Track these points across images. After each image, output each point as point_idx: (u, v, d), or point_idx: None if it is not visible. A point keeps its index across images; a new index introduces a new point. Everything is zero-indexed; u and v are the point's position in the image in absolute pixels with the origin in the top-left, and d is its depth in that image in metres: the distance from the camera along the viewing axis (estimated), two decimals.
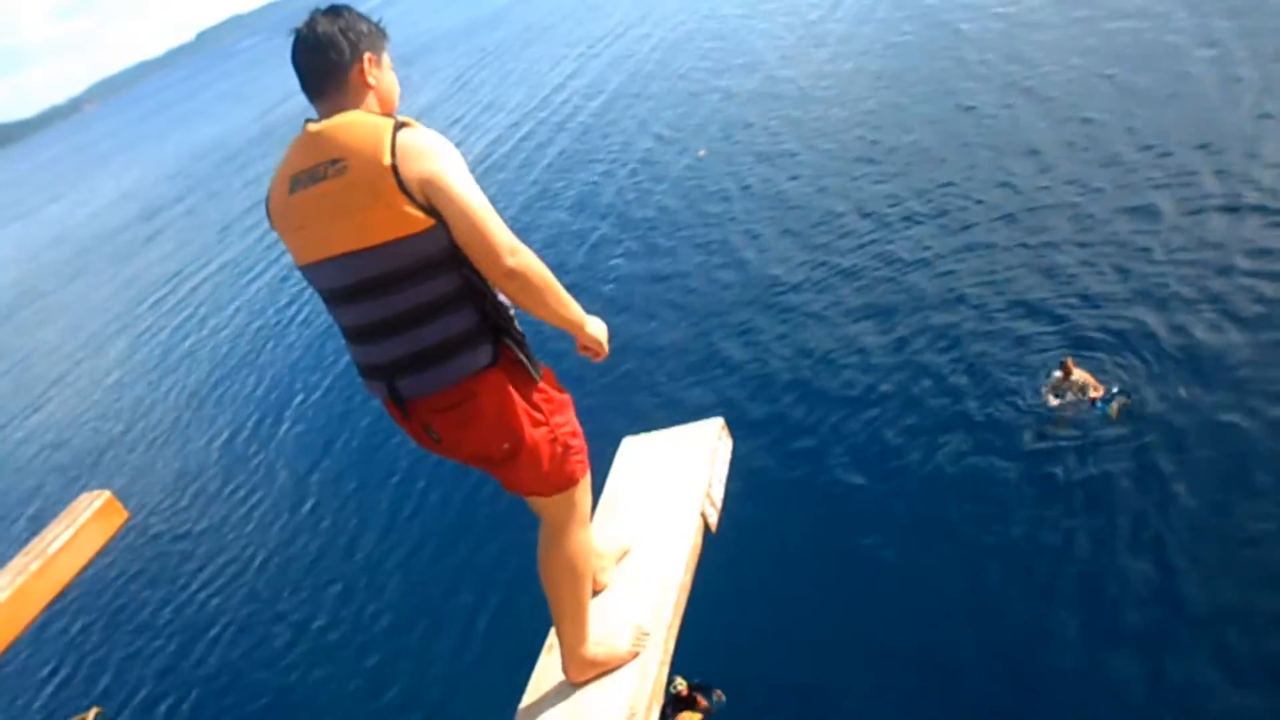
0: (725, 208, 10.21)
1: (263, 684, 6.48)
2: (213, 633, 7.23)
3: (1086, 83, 9.47)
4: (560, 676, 2.73)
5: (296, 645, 6.65)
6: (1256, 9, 9.35)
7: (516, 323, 2.29)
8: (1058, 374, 5.59)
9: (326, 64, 2.19)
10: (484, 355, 2.22)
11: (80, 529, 1.90)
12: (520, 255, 2.13)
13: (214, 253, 19.82)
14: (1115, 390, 5.44)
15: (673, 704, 4.42)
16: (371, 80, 2.23)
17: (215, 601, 7.59)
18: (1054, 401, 5.52)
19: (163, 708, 6.71)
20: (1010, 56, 10.98)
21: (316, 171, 2.13)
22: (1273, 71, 8.08)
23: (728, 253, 9.15)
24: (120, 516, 1.93)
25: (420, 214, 2.08)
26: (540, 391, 2.36)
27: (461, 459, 2.45)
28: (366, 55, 2.21)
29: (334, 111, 2.19)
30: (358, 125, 2.12)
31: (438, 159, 2.09)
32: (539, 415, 2.36)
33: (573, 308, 2.32)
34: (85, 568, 1.83)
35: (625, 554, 3.07)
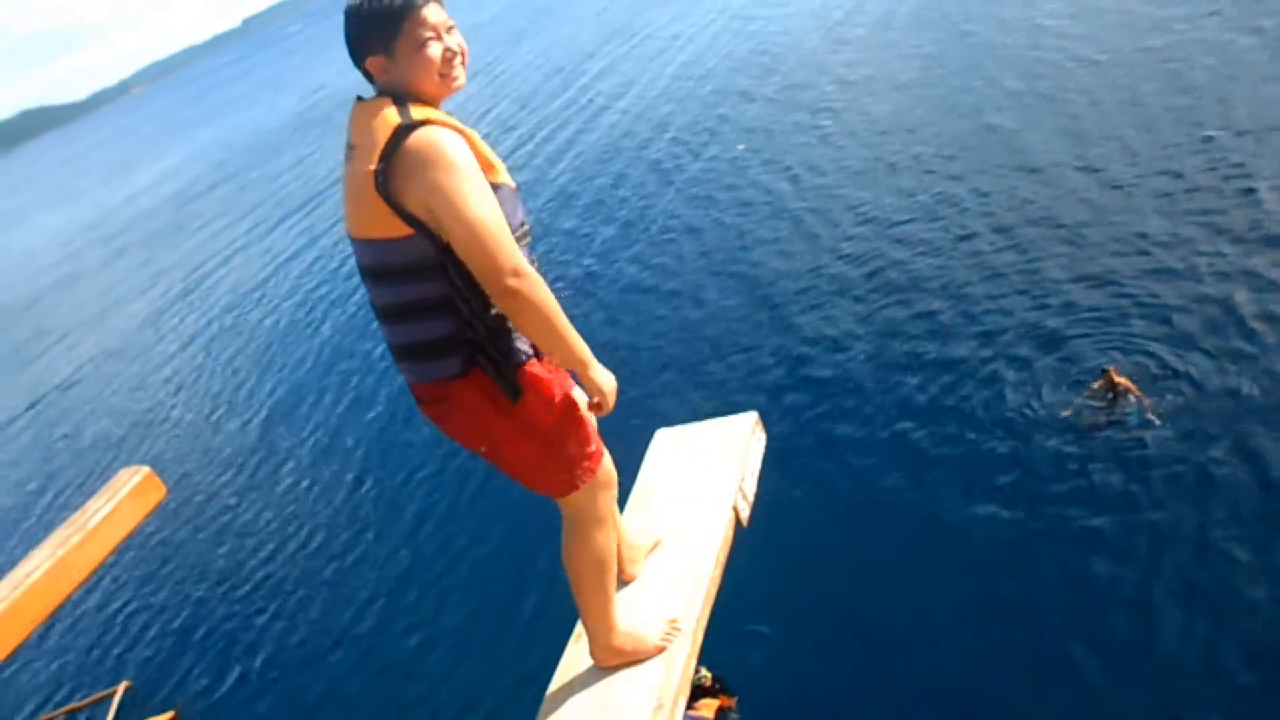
0: (767, 201, 10.13)
1: (294, 663, 6.55)
2: (246, 612, 7.32)
3: (1146, 80, 9.28)
4: (587, 664, 2.75)
5: (330, 626, 6.72)
6: None
7: (503, 341, 2.26)
8: (1098, 382, 5.48)
9: (355, 61, 2.25)
10: (453, 366, 2.25)
11: (119, 504, 1.92)
12: (522, 278, 2.10)
13: (250, 237, 20.05)
14: (1157, 398, 5.33)
15: (695, 692, 4.42)
16: (388, 77, 2.22)
17: (250, 581, 7.69)
18: (1096, 407, 5.42)
19: (192, 684, 6.81)
20: (1061, 60, 10.78)
21: (349, 151, 2.19)
22: None
23: (769, 245, 9.09)
24: (159, 492, 1.96)
25: (398, 222, 2.08)
26: (524, 406, 2.31)
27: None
28: (368, 60, 2.22)
29: (377, 94, 2.24)
30: (371, 118, 2.14)
31: (439, 170, 2.06)
32: (517, 426, 2.33)
33: (573, 345, 2.25)
34: (123, 542, 1.86)
35: (657, 545, 3.08)
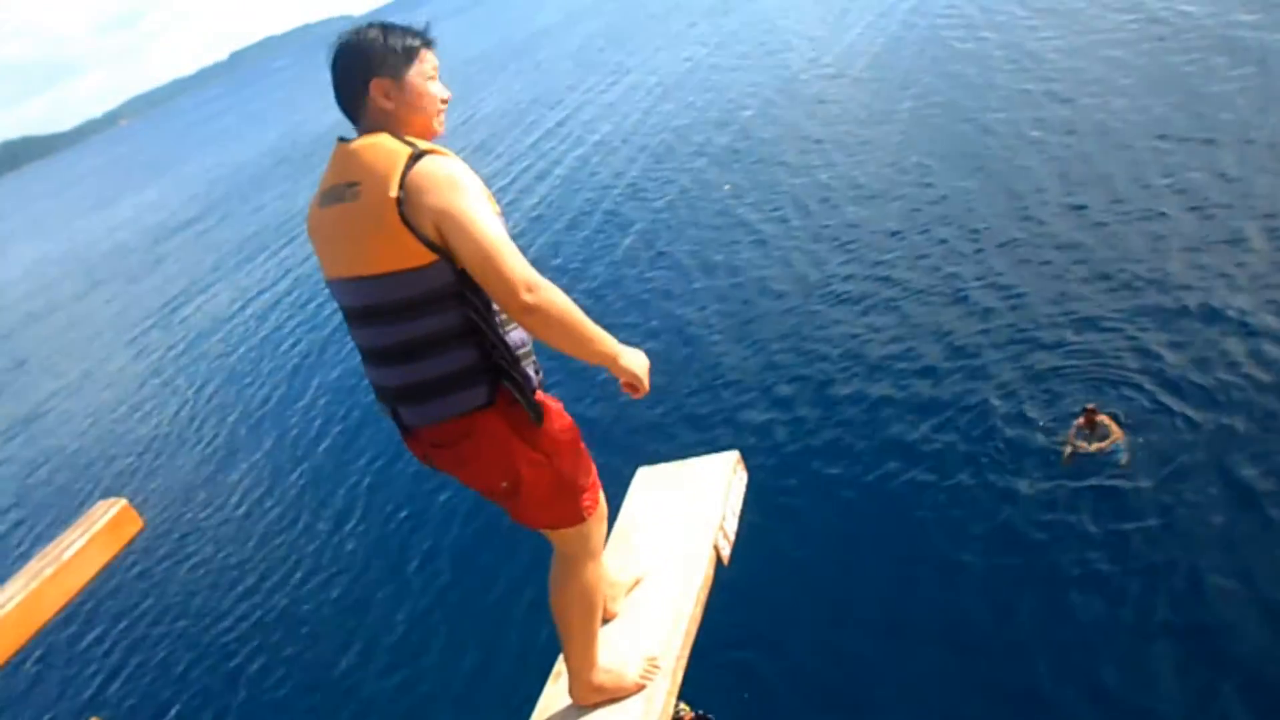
0: (752, 241, 10.23)
1: (270, 702, 6.45)
2: (220, 645, 7.22)
3: (1140, 108, 9.45)
4: (565, 704, 2.71)
5: (302, 665, 6.63)
6: None
7: (523, 364, 2.24)
8: (1080, 420, 5.53)
9: (348, 85, 2.20)
10: (479, 395, 2.18)
11: (95, 536, 1.90)
12: (538, 292, 2.07)
13: (226, 271, 20.05)
14: (1135, 438, 5.37)
15: None
16: (388, 105, 2.19)
17: (227, 617, 7.58)
18: (1077, 447, 5.45)
19: (164, 718, 6.69)
20: (1043, 87, 10.99)
21: (338, 191, 2.13)
22: None
23: (754, 284, 9.17)
24: (135, 525, 1.93)
25: (422, 249, 2.04)
26: (543, 431, 2.30)
27: (466, 485, 2.44)
28: (374, 81, 2.17)
29: (365, 131, 2.20)
30: (375, 151, 2.11)
31: (451, 193, 2.05)
32: (539, 456, 2.31)
33: (602, 341, 2.24)
34: (98, 575, 1.83)
35: (637, 583, 3.06)
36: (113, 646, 7.92)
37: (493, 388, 2.18)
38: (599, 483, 2.52)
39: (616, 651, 2.74)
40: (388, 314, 2.12)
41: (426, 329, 2.11)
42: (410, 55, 2.20)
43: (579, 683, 2.62)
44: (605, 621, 2.90)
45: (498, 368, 2.18)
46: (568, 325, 2.13)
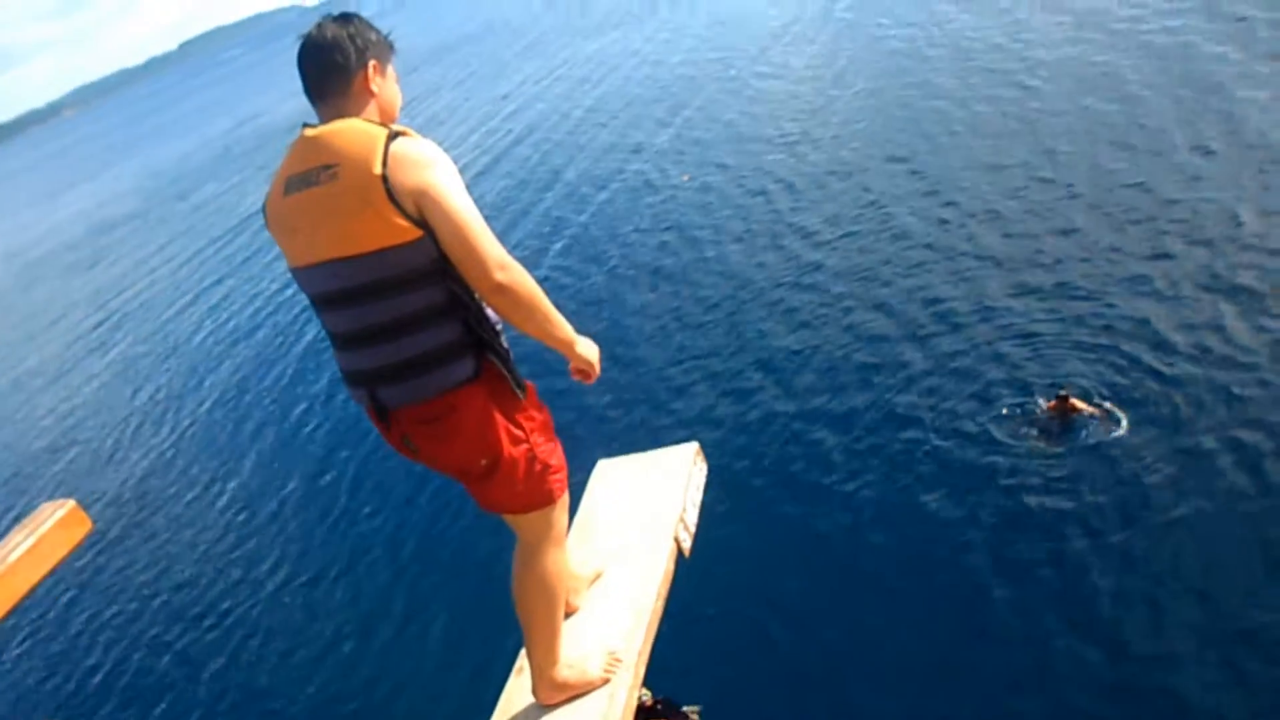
0: (708, 231, 10.26)
1: (224, 698, 6.36)
2: (173, 647, 7.10)
3: (1098, 93, 9.62)
4: (528, 700, 2.71)
5: (255, 664, 6.54)
6: None
7: (503, 338, 2.28)
8: (1051, 402, 5.58)
9: (332, 68, 2.21)
10: (465, 368, 2.21)
11: (42, 538, 1.85)
12: (510, 270, 2.14)
13: (175, 267, 19.70)
14: (1111, 418, 5.40)
15: (641, 713, 4.38)
16: (374, 88, 2.25)
17: (178, 616, 7.46)
18: (1048, 430, 5.49)
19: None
20: (1005, 76, 11.14)
21: (310, 176, 2.14)
22: None
23: (712, 276, 9.19)
24: (84, 526, 1.89)
25: (408, 224, 2.07)
26: (523, 409, 2.35)
27: (440, 470, 2.45)
28: (371, 63, 2.24)
29: (333, 117, 2.21)
30: (352, 132, 2.13)
31: (431, 170, 2.09)
32: (519, 432, 2.35)
33: (562, 326, 2.32)
34: (46, 578, 1.79)
35: (599, 576, 3.07)
36: (60, 651, 7.76)
37: (478, 361, 2.22)
38: (565, 466, 2.55)
39: (579, 647, 2.74)
40: (372, 293, 2.13)
41: (412, 305, 2.14)
42: (391, 51, 2.32)
43: (542, 680, 2.62)
44: (568, 615, 2.91)
45: (481, 341, 2.23)
46: (534, 307, 2.21)
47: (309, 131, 2.19)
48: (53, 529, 1.86)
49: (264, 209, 2.30)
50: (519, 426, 2.35)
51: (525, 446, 2.37)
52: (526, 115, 19.91)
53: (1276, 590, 4.22)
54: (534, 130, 18.32)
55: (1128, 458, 5.17)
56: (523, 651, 2.76)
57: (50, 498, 2.13)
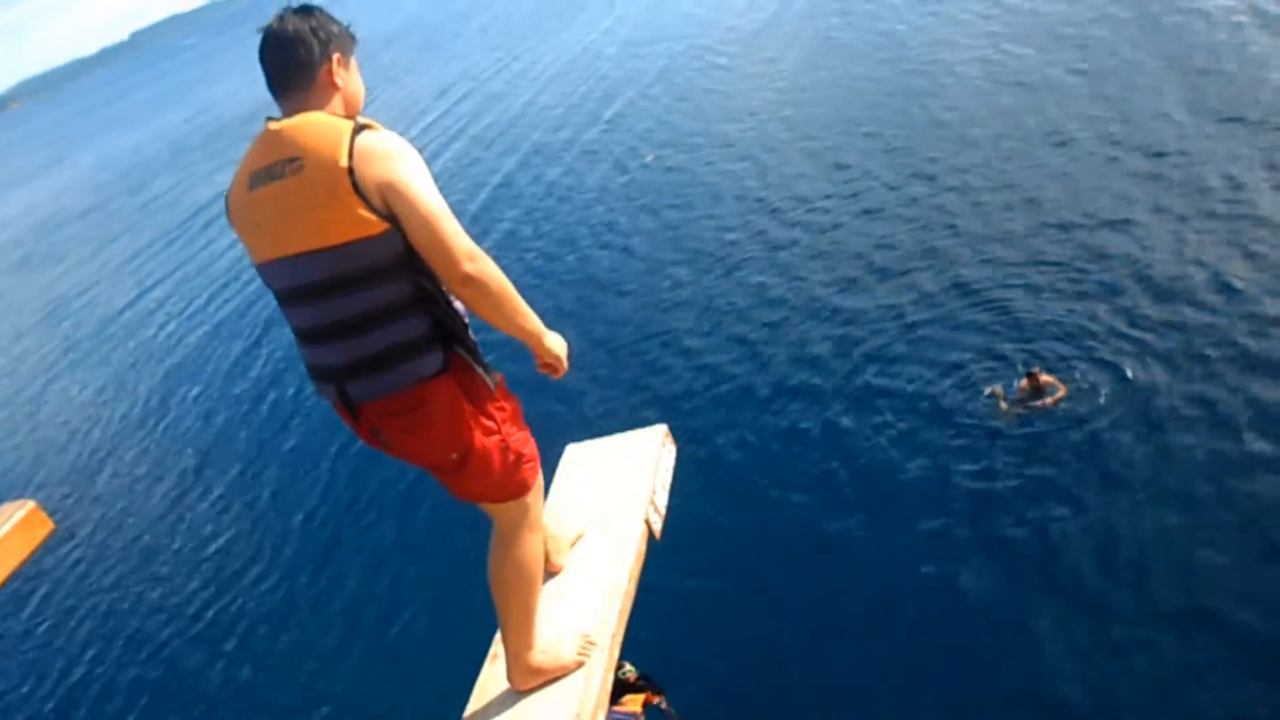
0: (671, 213, 10.25)
1: (194, 694, 6.32)
2: (137, 648, 7.03)
3: (1060, 76, 9.68)
4: (504, 686, 2.72)
5: (224, 661, 6.50)
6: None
7: (471, 331, 2.28)
8: (1023, 382, 5.62)
9: (295, 61, 2.19)
10: (434, 362, 2.20)
11: (3, 539, 1.82)
12: (478, 262, 2.13)
13: (127, 261, 19.45)
14: (1082, 391, 5.43)
15: (620, 687, 4.40)
16: (339, 81, 2.23)
17: (142, 616, 7.39)
18: (1017, 408, 5.54)
19: None
20: (975, 49, 11.19)
21: (275, 169, 2.11)
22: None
23: (678, 257, 9.19)
24: (45, 527, 1.87)
25: (374, 217, 2.06)
26: (493, 400, 2.35)
27: (411, 463, 2.45)
28: (335, 56, 2.22)
29: (297, 110, 2.18)
30: (317, 125, 2.11)
31: (397, 162, 2.08)
32: (490, 424, 2.35)
33: (530, 318, 2.31)
34: (6, 581, 1.77)
35: (580, 537, 3.12)
36: (24, 653, 7.66)
37: (446, 354, 2.22)
38: (538, 455, 2.56)
39: (553, 630, 2.75)
40: (339, 287, 2.11)
41: (380, 299, 2.13)
42: (354, 39, 2.31)
43: (517, 665, 2.63)
44: (549, 575, 2.92)
45: (450, 335, 2.22)
46: (502, 298, 2.20)
47: (272, 125, 2.16)
48: (13, 530, 1.84)
49: (226, 204, 2.26)
50: (490, 418, 2.34)
51: (497, 438, 2.36)
52: (479, 101, 19.76)
53: (1252, 558, 4.29)
54: (483, 116, 18.21)
55: (1098, 428, 5.24)
56: (497, 638, 2.77)
57: (12, 497, 2.10)
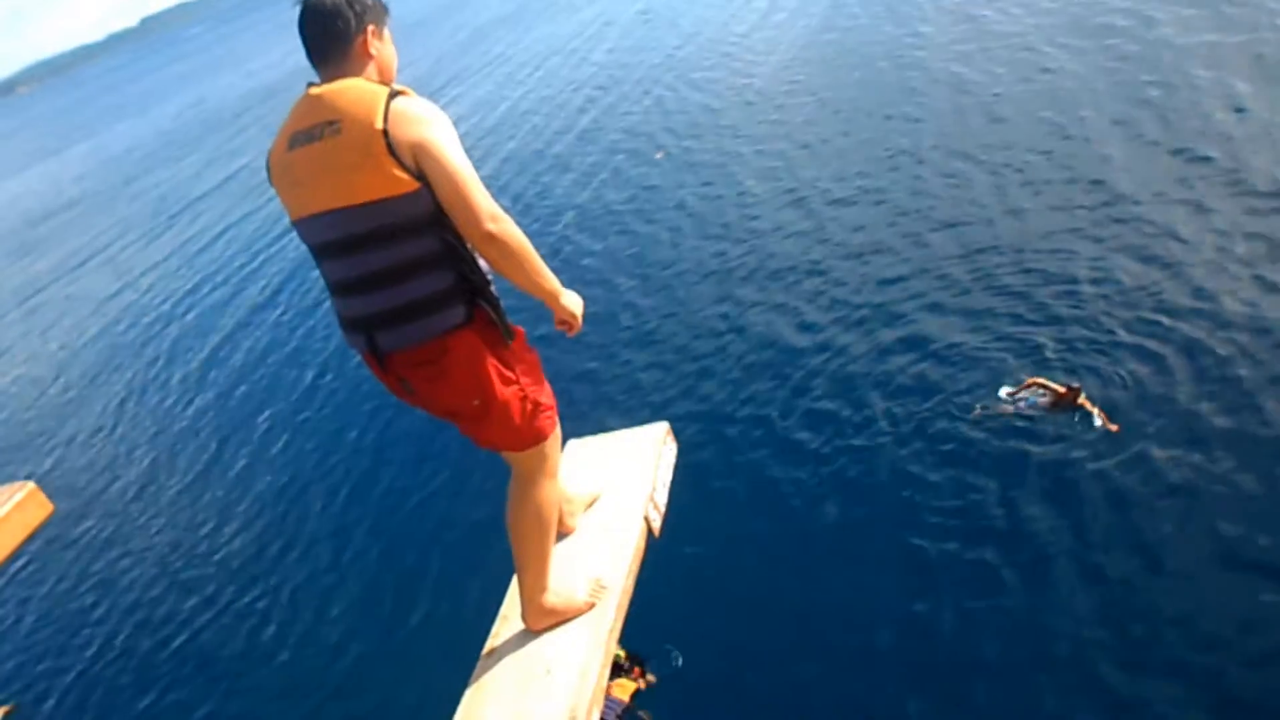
0: (679, 209, 10.24)
1: (191, 671, 6.32)
2: (139, 631, 7.01)
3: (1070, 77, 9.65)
4: (517, 630, 2.85)
5: (229, 637, 6.49)
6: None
7: (493, 286, 2.43)
8: (1011, 389, 5.56)
9: (333, 32, 2.35)
10: (458, 314, 2.35)
11: (2, 521, 1.83)
12: (500, 222, 2.28)
13: (114, 249, 19.48)
14: (1076, 390, 5.27)
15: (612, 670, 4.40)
16: (373, 51, 2.40)
17: (143, 599, 7.37)
18: (1010, 410, 5.47)
19: (81, 707, 6.49)
20: (977, 61, 11.16)
21: (314, 131, 2.28)
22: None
23: (682, 256, 9.16)
24: (45, 509, 1.87)
25: (407, 176, 2.20)
26: (512, 352, 2.51)
27: (435, 413, 2.61)
28: (370, 27, 2.39)
29: (335, 77, 2.35)
30: (355, 90, 2.28)
31: (429, 126, 2.24)
32: (510, 374, 2.50)
33: (549, 277, 2.47)
34: (6, 561, 1.77)
35: (595, 500, 3.24)
36: (25, 634, 7.65)
37: (470, 307, 2.37)
38: (555, 404, 2.73)
39: (563, 580, 2.88)
40: (371, 242, 2.27)
41: (408, 254, 2.28)
42: (387, 10, 2.49)
43: (532, 607, 2.80)
44: (561, 536, 3.05)
45: (474, 289, 2.38)
46: (523, 257, 2.36)
47: (313, 90, 2.33)
48: (12, 512, 1.84)
49: (268, 163, 2.42)
50: (509, 368, 2.49)
51: (516, 387, 2.51)
52: (489, 91, 19.75)
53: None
54: (496, 108, 18.19)
55: (1138, 453, 4.98)
56: (508, 597, 2.97)
57: (12, 478, 2.10)
